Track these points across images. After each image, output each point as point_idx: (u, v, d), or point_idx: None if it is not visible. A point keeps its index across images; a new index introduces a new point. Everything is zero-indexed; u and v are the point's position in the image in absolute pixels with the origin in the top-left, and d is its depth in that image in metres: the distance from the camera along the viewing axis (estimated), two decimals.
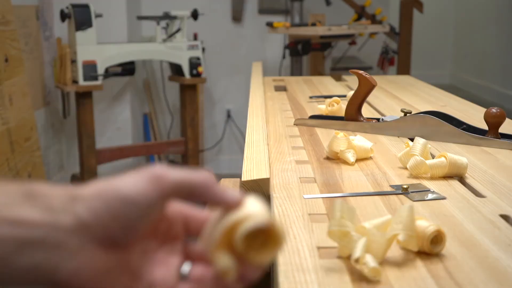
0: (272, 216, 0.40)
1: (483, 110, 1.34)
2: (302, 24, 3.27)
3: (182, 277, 0.41)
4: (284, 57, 3.46)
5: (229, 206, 0.40)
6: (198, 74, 3.17)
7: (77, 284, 0.36)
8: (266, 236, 0.40)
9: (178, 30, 3.10)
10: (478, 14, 5.32)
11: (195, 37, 3.44)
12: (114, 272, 0.38)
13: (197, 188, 0.39)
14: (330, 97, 1.43)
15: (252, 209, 0.40)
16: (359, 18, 3.34)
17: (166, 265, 0.41)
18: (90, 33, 2.83)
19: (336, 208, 0.62)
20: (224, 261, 0.39)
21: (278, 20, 3.42)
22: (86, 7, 2.83)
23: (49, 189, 0.37)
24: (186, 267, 0.42)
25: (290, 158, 1.01)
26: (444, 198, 0.80)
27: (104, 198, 0.37)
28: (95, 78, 2.85)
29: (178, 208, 0.43)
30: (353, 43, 3.44)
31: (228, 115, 3.87)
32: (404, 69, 3.30)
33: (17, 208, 0.35)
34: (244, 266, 0.40)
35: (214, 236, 0.40)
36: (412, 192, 0.82)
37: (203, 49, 3.33)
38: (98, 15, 2.89)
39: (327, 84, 1.94)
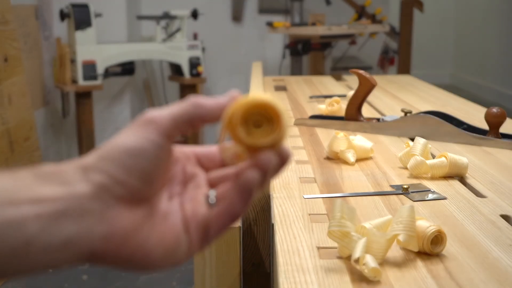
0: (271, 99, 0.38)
1: (484, 110, 1.34)
2: (302, 24, 3.27)
3: (212, 205, 0.41)
4: (284, 57, 3.46)
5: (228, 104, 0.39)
6: (198, 74, 3.17)
7: (113, 248, 0.36)
8: (268, 120, 0.38)
9: (178, 30, 3.10)
10: (479, 13, 5.32)
11: (195, 37, 3.44)
12: (146, 225, 0.38)
13: (192, 112, 0.38)
14: (330, 97, 1.43)
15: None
16: (359, 18, 3.34)
17: (194, 199, 0.41)
18: (90, 33, 2.83)
19: (336, 208, 0.62)
20: (231, 148, 0.39)
21: (278, 20, 3.42)
22: (85, 6, 2.83)
23: (57, 167, 0.37)
24: (213, 194, 0.41)
25: None
26: (444, 198, 0.79)
27: (110, 158, 0.36)
28: (94, 78, 2.85)
29: (187, 151, 0.43)
30: (353, 43, 3.43)
31: None
32: (404, 69, 3.30)
33: (33, 188, 0.34)
34: (255, 154, 0.39)
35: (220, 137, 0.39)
36: (412, 192, 0.81)
37: (203, 49, 3.33)
38: (98, 15, 2.89)
39: (327, 84, 1.93)
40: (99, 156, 0.37)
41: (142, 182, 0.37)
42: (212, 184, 0.43)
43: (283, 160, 0.40)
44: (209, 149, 0.44)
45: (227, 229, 0.41)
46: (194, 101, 0.39)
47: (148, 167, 0.37)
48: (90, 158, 0.37)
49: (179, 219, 0.40)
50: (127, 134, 0.38)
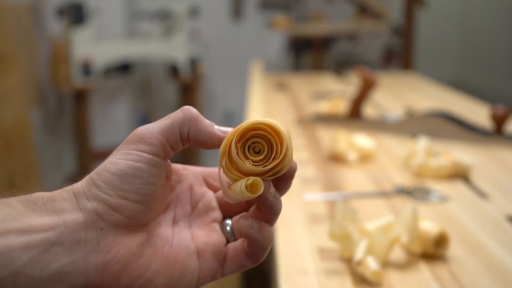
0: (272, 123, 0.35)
1: (488, 108, 1.32)
2: (303, 20, 3.26)
3: (229, 236, 0.39)
4: (284, 54, 3.45)
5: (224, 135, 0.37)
6: (197, 72, 3.16)
7: (111, 277, 0.34)
8: (269, 146, 0.35)
9: (176, 27, 3.08)
10: (484, 9, 5.30)
11: (195, 35, 3.42)
12: (147, 251, 0.36)
13: (183, 123, 0.37)
14: (331, 95, 1.41)
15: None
16: (361, 15, 3.32)
17: (208, 225, 0.39)
18: (86, 31, 2.82)
19: (338, 209, 0.61)
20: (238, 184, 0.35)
21: (279, 17, 3.41)
22: (82, 4, 2.82)
23: (48, 194, 0.35)
24: (229, 225, 0.39)
25: None
26: (448, 199, 0.78)
27: (102, 183, 0.35)
28: (91, 76, 2.84)
29: (194, 170, 0.42)
30: (355, 40, 3.42)
31: (228, 114, 3.86)
32: (407, 66, 3.29)
33: (22, 217, 0.33)
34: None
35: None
36: (415, 192, 0.80)
37: (203, 47, 3.32)
38: (95, 12, 2.88)
39: (328, 81, 1.92)
40: (90, 182, 0.35)
41: (139, 205, 0.35)
42: (222, 205, 0.41)
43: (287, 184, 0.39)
44: (215, 170, 0.42)
45: (243, 269, 0.39)
46: (186, 111, 0.37)
47: (143, 189, 0.35)
48: (81, 184, 0.35)
49: (186, 245, 0.38)
50: (117, 156, 0.36)
